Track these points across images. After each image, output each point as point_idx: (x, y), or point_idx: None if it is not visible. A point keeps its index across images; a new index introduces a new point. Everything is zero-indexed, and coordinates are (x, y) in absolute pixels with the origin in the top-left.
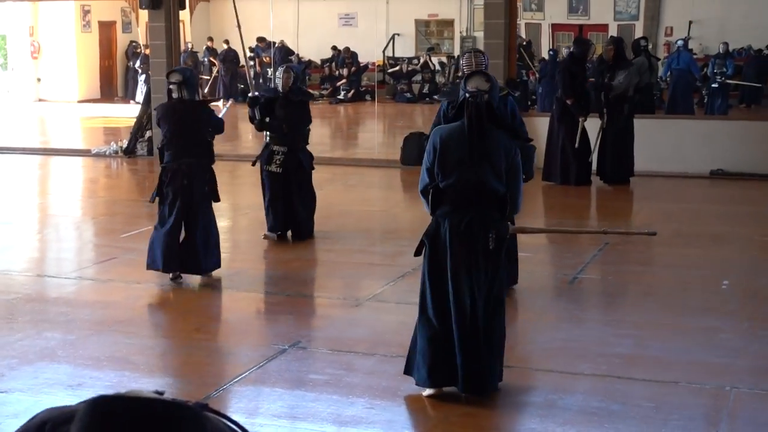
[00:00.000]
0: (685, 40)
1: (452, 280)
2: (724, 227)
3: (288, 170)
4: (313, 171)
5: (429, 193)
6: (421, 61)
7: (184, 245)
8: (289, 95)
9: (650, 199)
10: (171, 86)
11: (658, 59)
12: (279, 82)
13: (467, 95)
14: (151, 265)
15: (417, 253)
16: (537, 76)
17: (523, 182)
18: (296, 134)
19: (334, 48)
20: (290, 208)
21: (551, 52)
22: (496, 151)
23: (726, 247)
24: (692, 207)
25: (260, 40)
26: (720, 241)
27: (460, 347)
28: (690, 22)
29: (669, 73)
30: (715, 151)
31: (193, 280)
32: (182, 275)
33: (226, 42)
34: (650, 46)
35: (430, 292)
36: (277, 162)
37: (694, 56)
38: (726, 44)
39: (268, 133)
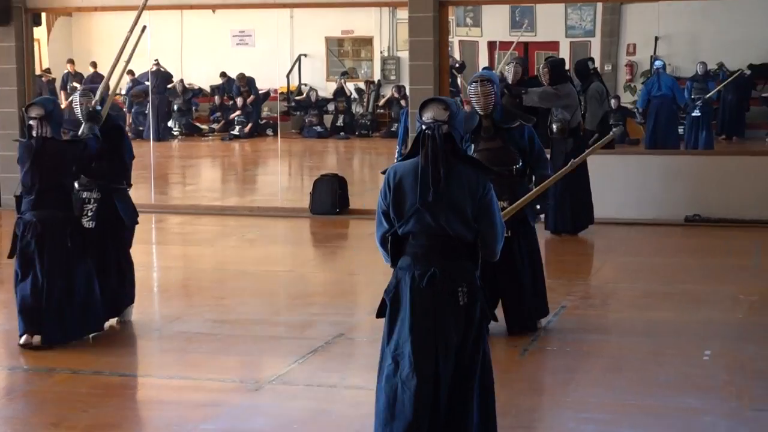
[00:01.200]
0: (663, 61)
1: (413, 348)
2: (703, 285)
3: (104, 223)
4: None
5: (388, 241)
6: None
7: (46, 307)
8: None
9: (613, 252)
10: (31, 122)
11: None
12: (77, 109)
13: (423, 127)
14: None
15: (379, 315)
16: None
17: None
18: (110, 174)
19: (223, 75)
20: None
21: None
22: (459, 192)
23: (706, 309)
24: (664, 261)
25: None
26: (699, 302)
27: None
28: (656, 39)
29: (647, 101)
30: (690, 194)
31: (52, 361)
32: (33, 343)
33: (93, 65)
34: (606, 68)
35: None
36: (89, 214)
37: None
38: (704, 64)
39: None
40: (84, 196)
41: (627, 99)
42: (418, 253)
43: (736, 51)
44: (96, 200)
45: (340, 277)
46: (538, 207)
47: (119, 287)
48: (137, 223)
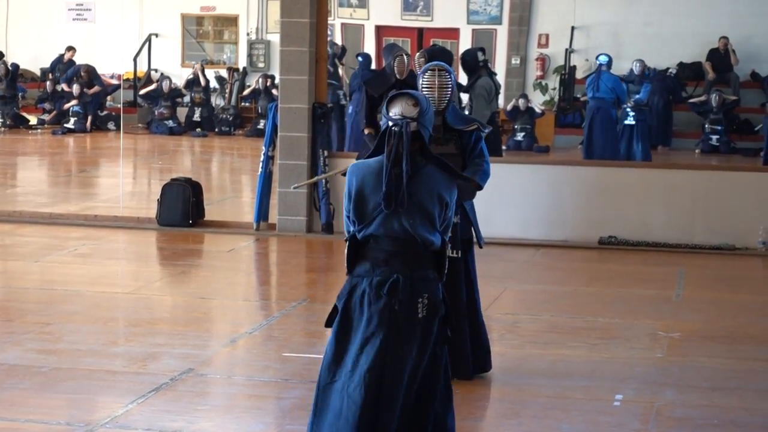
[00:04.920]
0: (610, 57)
1: (364, 361)
2: (618, 319)
3: None
4: None
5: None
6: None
7: None
8: None
9: (514, 278)
10: None
11: (495, 73)
12: None
13: (390, 123)
14: None
15: (328, 324)
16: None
17: None
18: None
19: (70, 48)
20: None
21: (360, 58)
22: (426, 195)
23: (620, 346)
24: (573, 290)
25: None
26: (612, 339)
27: None
28: (573, 29)
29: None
30: (606, 212)
31: None
32: None
33: None
34: (513, 61)
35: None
36: None
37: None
38: (641, 62)
39: None
40: None
41: (537, 99)
42: (379, 259)
43: (664, 46)
44: None
45: (191, 301)
46: None
47: None
48: None
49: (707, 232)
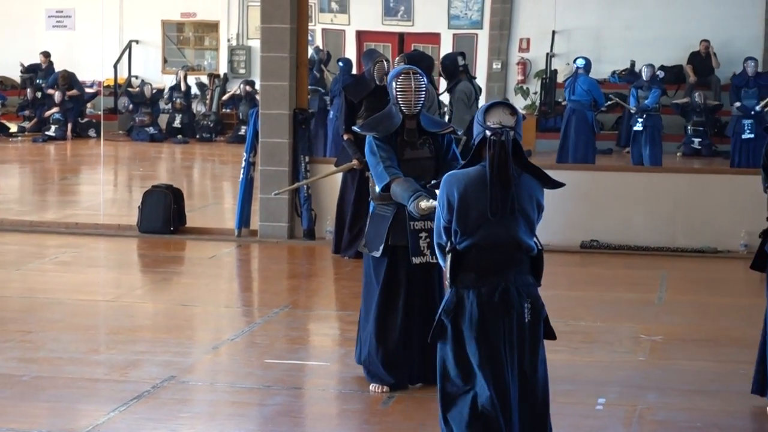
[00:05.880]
0: (587, 60)
1: (492, 370)
2: (600, 322)
3: None
4: None
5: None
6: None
7: None
8: None
9: None
10: None
11: (474, 77)
12: None
13: (488, 133)
14: None
15: (434, 338)
16: None
17: None
18: None
19: (46, 54)
20: None
21: (341, 63)
22: (528, 200)
23: (602, 350)
24: (555, 294)
25: None
26: (594, 342)
27: None
28: (553, 33)
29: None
30: (588, 216)
31: None
32: None
33: None
34: (494, 66)
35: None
36: None
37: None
38: (651, 67)
39: None
40: None
41: (519, 103)
42: (485, 267)
43: (645, 50)
44: None
45: (173, 308)
46: None
47: None
48: None
49: (689, 235)
